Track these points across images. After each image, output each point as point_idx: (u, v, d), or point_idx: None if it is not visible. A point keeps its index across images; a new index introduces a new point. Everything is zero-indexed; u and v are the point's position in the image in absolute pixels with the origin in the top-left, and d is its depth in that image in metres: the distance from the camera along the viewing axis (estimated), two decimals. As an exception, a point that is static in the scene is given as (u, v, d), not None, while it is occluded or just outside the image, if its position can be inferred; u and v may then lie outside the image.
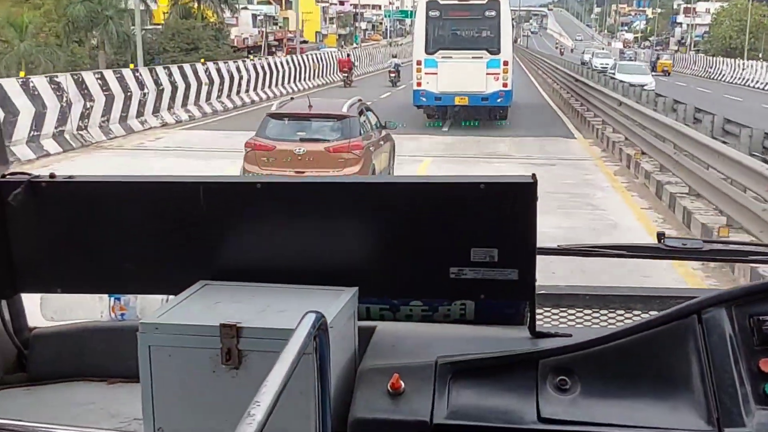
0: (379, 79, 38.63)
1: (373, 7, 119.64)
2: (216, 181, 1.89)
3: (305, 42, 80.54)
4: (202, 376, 1.60)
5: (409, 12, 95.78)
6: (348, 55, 39.07)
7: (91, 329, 2.09)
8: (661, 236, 1.92)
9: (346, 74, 35.96)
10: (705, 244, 1.94)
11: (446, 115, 21.21)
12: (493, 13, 19.29)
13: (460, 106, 20.10)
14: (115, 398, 1.93)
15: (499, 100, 19.64)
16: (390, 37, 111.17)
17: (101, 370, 2.02)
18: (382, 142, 11.65)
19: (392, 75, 36.59)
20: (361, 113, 11.12)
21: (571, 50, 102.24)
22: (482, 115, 20.65)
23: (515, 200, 1.76)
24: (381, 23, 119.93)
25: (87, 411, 1.89)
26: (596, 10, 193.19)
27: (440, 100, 19.80)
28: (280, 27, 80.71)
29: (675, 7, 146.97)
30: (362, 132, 10.66)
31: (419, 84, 19.79)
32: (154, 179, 1.94)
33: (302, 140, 10.34)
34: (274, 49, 64.96)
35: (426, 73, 19.56)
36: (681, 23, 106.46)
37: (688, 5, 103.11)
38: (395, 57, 42.94)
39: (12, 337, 2.05)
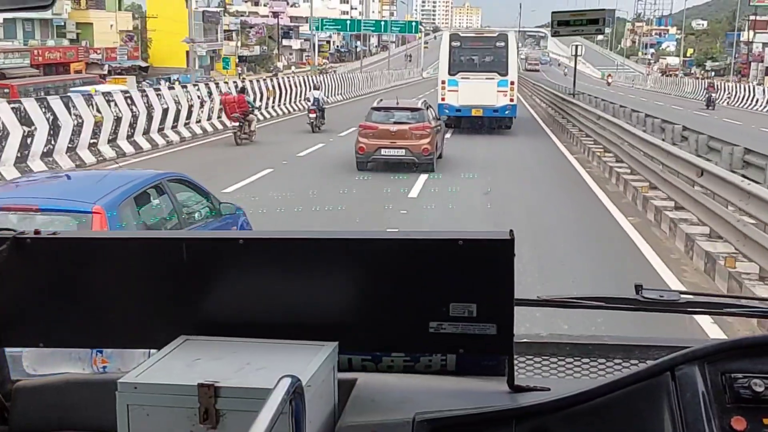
0: (298, 123, 26.29)
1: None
2: (199, 237, 2.00)
3: (145, 68, 49.45)
4: None
5: (349, 22, 63.09)
6: (241, 91, 23.25)
7: (73, 382, 2.12)
8: (638, 288, 1.95)
9: (239, 123, 20.93)
10: (682, 296, 1.98)
11: (461, 124, 26.43)
12: (502, 44, 25.60)
13: (474, 117, 25.85)
14: None
15: (507, 112, 25.64)
16: (345, 60, 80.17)
17: (83, 423, 2.04)
18: (439, 128, 18.62)
19: (312, 116, 24.71)
20: (427, 108, 17.85)
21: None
22: (491, 125, 26.09)
23: (493, 256, 1.80)
24: (329, 41, 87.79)
25: None
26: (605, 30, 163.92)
27: (460, 111, 25.57)
28: (71, 41, 48.93)
29: (694, 26, 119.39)
30: (428, 119, 17.29)
31: (443, 99, 25.44)
32: (137, 235, 2.00)
33: (394, 123, 16.86)
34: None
35: (449, 91, 25.47)
36: (752, 42, 75.16)
37: (753, 17, 72.91)
38: (317, 89, 28.70)
39: None
